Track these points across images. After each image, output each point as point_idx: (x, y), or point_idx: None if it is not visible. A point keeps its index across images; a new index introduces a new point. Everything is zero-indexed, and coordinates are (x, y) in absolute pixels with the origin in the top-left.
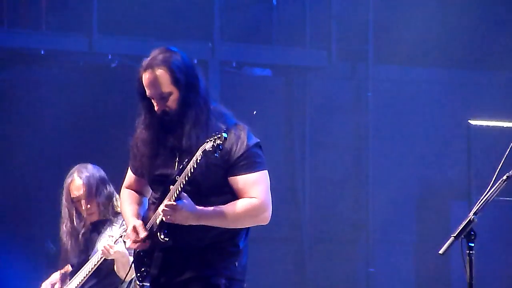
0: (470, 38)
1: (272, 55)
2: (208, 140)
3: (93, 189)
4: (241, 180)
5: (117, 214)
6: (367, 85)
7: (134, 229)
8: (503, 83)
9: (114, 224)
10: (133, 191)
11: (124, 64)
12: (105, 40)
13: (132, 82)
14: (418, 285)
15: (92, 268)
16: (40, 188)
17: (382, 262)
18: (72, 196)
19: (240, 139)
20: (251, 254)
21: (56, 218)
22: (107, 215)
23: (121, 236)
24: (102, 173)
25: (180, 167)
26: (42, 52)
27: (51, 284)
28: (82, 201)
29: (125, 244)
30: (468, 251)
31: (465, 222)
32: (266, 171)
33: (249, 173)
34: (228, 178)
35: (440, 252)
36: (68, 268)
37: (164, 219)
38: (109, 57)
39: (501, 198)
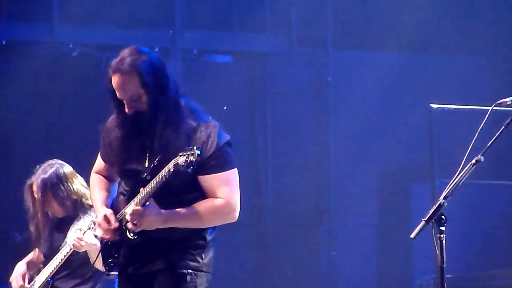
0: (431, 22)
1: (232, 41)
2: (181, 154)
3: (49, 192)
4: (209, 180)
5: (86, 208)
6: (327, 70)
7: (105, 218)
8: (463, 67)
9: (83, 217)
10: (102, 177)
11: (85, 53)
12: (66, 29)
13: (92, 71)
14: (380, 268)
15: (61, 261)
16: (5, 179)
17: (344, 246)
18: (35, 196)
19: (210, 138)
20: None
21: (22, 211)
22: (74, 211)
23: (89, 228)
24: (65, 170)
25: (151, 165)
26: (4, 42)
27: (22, 276)
28: (45, 202)
29: (94, 232)
30: (439, 235)
31: (436, 206)
32: (235, 170)
33: (219, 172)
34: (198, 177)
35: (412, 236)
36: (36, 255)
37: (130, 226)
38: (71, 46)
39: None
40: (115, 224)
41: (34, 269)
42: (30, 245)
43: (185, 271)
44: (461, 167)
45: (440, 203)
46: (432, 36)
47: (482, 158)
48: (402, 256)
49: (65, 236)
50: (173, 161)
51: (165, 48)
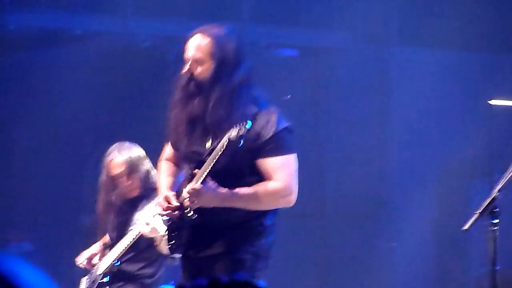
0: (493, 20)
1: (299, 36)
2: (233, 128)
3: (134, 166)
4: (267, 163)
5: (154, 190)
6: (391, 66)
7: (166, 198)
8: None
9: (151, 199)
10: (170, 163)
11: (156, 44)
12: (139, 21)
13: (163, 62)
14: (438, 260)
15: (130, 242)
16: (78, 165)
17: (404, 237)
18: (112, 174)
19: (269, 122)
20: (276, 230)
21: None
22: (145, 191)
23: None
24: (140, 150)
25: (211, 148)
26: (78, 33)
27: (91, 254)
28: (123, 178)
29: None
30: (492, 228)
31: (489, 199)
32: (293, 155)
33: (276, 156)
34: (256, 161)
35: (465, 228)
36: (107, 238)
37: (189, 202)
38: (142, 38)
39: None
40: (174, 204)
41: (106, 252)
42: (97, 229)
43: (243, 255)
44: None
45: (494, 196)
46: (493, 34)
47: None
48: (460, 248)
49: (133, 218)
50: (225, 135)
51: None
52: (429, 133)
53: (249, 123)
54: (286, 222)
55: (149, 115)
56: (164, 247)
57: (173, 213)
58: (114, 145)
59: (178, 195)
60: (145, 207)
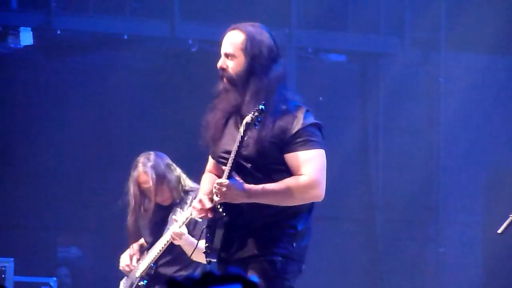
0: None
1: (347, 41)
2: (247, 114)
3: (161, 179)
4: (294, 157)
5: (186, 193)
6: (438, 71)
7: (200, 201)
8: None
9: (185, 203)
10: (212, 174)
11: (204, 49)
12: (186, 25)
13: (211, 67)
14: (486, 266)
15: (163, 247)
16: (118, 167)
17: (451, 243)
18: (141, 188)
19: (296, 118)
20: (325, 233)
21: None
22: (179, 197)
23: (185, 220)
24: (166, 159)
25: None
26: (125, 37)
27: (130, 255)
28: (152, 191)
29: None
30: None
31: None
32: (321, 150)
33: (303, 150)
34: (284, 156)
35: (499, 231)
36: (143, 241)
37: (215, 197)
38: (190, 42)
39: None
40: (208, 204)
41: (144, 254)
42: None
43: (275, 257)
44: None
45: None
46: None
47: None
48: (509, 254)
49: (167, 223)
50: (243, 122)
51: (280, 46)
52: (477, 138)
53: (262, 106)
54: (335, 227)
55: (196, 119)
56: (196, 256)
57: (207, 214)
58: (139, 158)
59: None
60: (177, 212)
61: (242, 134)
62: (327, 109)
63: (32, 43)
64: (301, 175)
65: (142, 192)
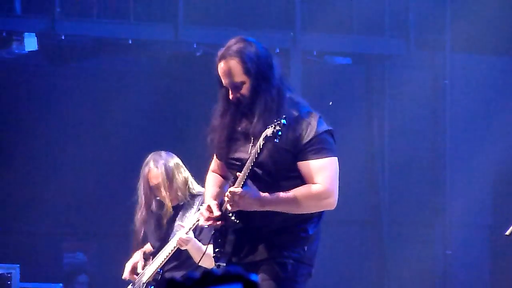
0: None
1: (352, 44)
2: (269, 126)
3: (170, 176)
4: (308, 165)
5: (193, 196)
6: (444, 73)
7: (208, 208)
8: None
9: (191, 207)
10: (217, 175)
11: (209, 52)
12: (191, 29)
13: (215, 71)
14: (493, 269)
15: (170, 252)
16: (131, 174)
17: (459, 245)
18: (151, 184)
19: (310, 125)
20: (332, 236)
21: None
22: (185, 199)
23: (192, 225)
24: (176, 159)
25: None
26: (130, 42)
27: (134, 263)
28: (161, 188)
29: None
30: None
31: None
32: (334, 158)
33: (316, 158)
34: (297, 163)
35: (507, 233)
36: (149, 247)
37: (228, 206)
38: (194, 46)
39: None
40: (217, 213)
41: (149, 260)
42: (136, 239)
43: (286, 260)
44: None
45: None
46: None
47: None
48: None
49: (174, 227)
50: (262, 134)
51: (285, 49)
52: (484, 139)
53: (284, 120)
54: (342, 230)
55: (201, 123)
56: (204, 262)
57: (215, 222)
58: (150, 156)
59: (222, 204)
60: (183, 216)
61: (261, 147)
62: (333, 112)
63: (36, 48)
64: (314, 183)
65: (151, 189)
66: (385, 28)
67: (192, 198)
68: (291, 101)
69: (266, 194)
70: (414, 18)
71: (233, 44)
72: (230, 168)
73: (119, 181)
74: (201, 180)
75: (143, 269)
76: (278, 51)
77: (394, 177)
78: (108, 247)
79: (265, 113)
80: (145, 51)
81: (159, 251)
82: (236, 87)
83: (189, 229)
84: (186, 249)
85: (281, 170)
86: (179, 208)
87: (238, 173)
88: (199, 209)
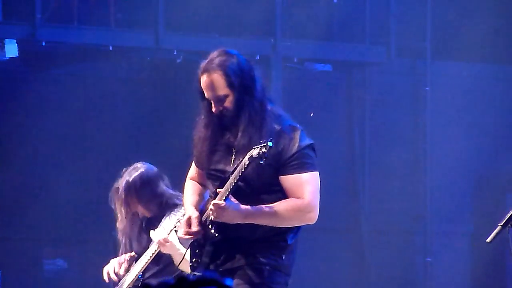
0: None
1: (332, 51)
2: (255, 147)
3: (133, 195)
4: (290, 180)
5: (171, 207)
6: (425, 80)
7: (188, 220)
8: None
9: (171, 215)
10: (196, 182)
11: (189, 59)
12: (171, 36)
13: (196, 78)
14: (474, 276)
15: (150, 258)
16: (110, 181)
17: (439, 252)
18: (123, 197)
19: (292, 140)
20: (312, 243)
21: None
22: (160, 212)
23: (174, 227)
24: (149, 173)
25: (235, 165)
26: (110, 48)
27: (119, 263)
28: (134, 201)
29: (176, 233)
30: None
31: None
32: (316, 173)
33: (299, 173)
34: (279, 177)
35: (488, 240)
36: (131, 253)
37: (212, 217)
38: (175, 53)
39: None
40: (195, 228)
41: (133, 264)
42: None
43: (262, 266)
44: None
45: None
46: None
47: None
48: (496, 264)
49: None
50: (248, 154)
51: (266, 56)
52: (464, 146)
53: (270, 142)
54: (322, 237)
55: (181, 130)
56: (184, 266)
57: (194, 237)
58: (125, 169)
59: (202, 214)
60: (164, 221)
61: (245, 166)
62: (313, 119)
63: (17, 55)
64: (296, 198)
65: (125, 203)
66: (366, 35)
67: (170, 209)
68: (273, 114)
69: (248, 207)
70: (395, 25)
71: (216, 57)
72: (210, 178)
73: (100, 187)
74: (180, 187)
75: (125, 272)
76: (258, 58)
77: (374, 185)
78: (88, 254)
79: (249, 127)
80: (125, 57)
81: (140, 257)
82: (219, 100)
83: (170, 231)
84: (166, 256)
85: (263, 184)
86: (158, 218)
87: (218, 189)
88: (179, 212)
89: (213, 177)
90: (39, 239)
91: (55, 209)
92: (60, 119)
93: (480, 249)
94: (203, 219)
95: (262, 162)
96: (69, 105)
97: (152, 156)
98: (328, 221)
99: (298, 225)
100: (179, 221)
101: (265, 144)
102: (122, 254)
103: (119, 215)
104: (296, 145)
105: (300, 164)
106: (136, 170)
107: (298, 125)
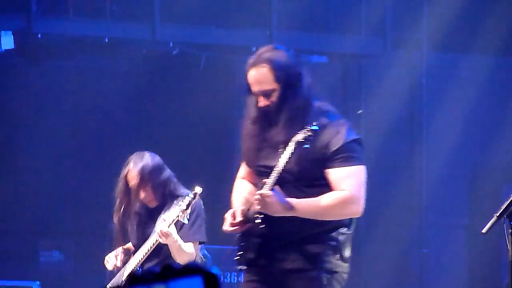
0: None
1: (328, 43)
2: (300, 132)
3: (149, 177)
4: (335, 173)
5: (175, 197)
6: (421, 72)
7: (232, 213)
8: None
9: (172, 207)
10: (245, 181)
11: (185, 51)
12: (167, 28)
13: (192, 69)
14: (469, 267)
15: (149, 249)
16: (107, 173)
17: (435, 244)
18: (129, 185)
19: (338, 133)
20: None
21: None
22: (164, 200)
23: (174, 219)
24: (157, 160)
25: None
26: (106, 40)
27: (115, 256)
28: (139, 189)
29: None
30: (511, 230)
31: (508, 202)
32: (362, 166)
33: (344, 166)
34: (324, 171)
35: (483, 231)
36: (130, 246)
37: (257, 208)
38: (171, 45)
39: None
40: (239, 218)
41: (130, 256)
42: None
43: (319, 273)
44: None
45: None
46: None
47: None
48: (492, 255)
49: (154, 225)
50: (293, 139)
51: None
52: (461, 138)
53: (315, 126)
54: None
55: (177, 121)
56: (182, 259)
57: (238, 229)
58: (131, 156)
59: (248, 210)
60: (165, 213)
61: (292, 151)
62: None
63: (13, 47)
64: (341, 190)
65: (128, 190)
66: (362, 27)
67: (172, 199)
68: (319, 109)
69: (292, 199)
70: (390, 17)
71: (264, 52)
72: (259, 175)
73: (97, 179)
74: (177, 175)
75: (122, 264)
76: (254, 49)
77: (370, 176)
78: (84, 246)
79: (289, 122)
80: (121, 50)
81: (139, 248)
82: (266, 94)
83: (171, 223)
84: (166, 248)
85: (307, 177)
86: (159, 209)
87: (264, 180)
88: (180, 205)
89: (261, 173)
90: (35, 231)
91: (52, 201)
92: (56, 110)
93: (476, 240)
94: (249, 213)
95: (307, 146)
96: (65, 97)
97: (148, 148)
98: None
99: (343, 218)
100: (181, 211)
101: (311, 128)
102: (118, 246)
103: (122, 204)
104: (343, 138)
105: (346, 157)
106: (145, 156)
107: (345, 120)
